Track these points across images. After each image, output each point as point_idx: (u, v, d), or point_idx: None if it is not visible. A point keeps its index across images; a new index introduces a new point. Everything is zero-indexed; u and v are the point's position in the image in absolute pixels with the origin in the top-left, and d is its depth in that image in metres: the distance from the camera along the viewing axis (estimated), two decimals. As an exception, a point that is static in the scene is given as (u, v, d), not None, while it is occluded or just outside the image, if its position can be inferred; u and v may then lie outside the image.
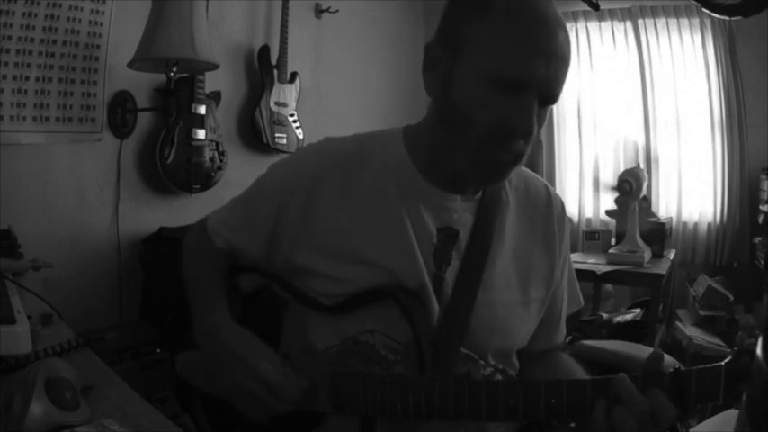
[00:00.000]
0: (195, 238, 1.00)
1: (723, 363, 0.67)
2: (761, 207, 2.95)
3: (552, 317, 0.96)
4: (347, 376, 0.79)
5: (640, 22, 3.29)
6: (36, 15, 1.83)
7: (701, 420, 1.70)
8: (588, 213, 3.52)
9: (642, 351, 1.93)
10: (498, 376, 0.88)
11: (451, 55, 0.78)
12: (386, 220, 0.84)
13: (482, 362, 0.86)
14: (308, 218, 0.86)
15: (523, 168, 0.93)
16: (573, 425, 1.01)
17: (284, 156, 0.96)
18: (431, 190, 0.85)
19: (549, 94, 0.75)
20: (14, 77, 1.81)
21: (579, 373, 0.92)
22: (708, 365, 0.68)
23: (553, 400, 0.70)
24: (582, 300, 1.04)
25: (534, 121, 0.74)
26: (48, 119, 1.91)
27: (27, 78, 1.84)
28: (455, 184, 0.86)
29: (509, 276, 0.88)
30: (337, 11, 2.94)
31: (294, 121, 2.70)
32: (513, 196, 0.92)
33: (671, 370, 0.69)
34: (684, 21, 3.19)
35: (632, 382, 0.69)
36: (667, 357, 0.72)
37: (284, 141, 2.64)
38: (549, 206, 0.94)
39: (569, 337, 2.49)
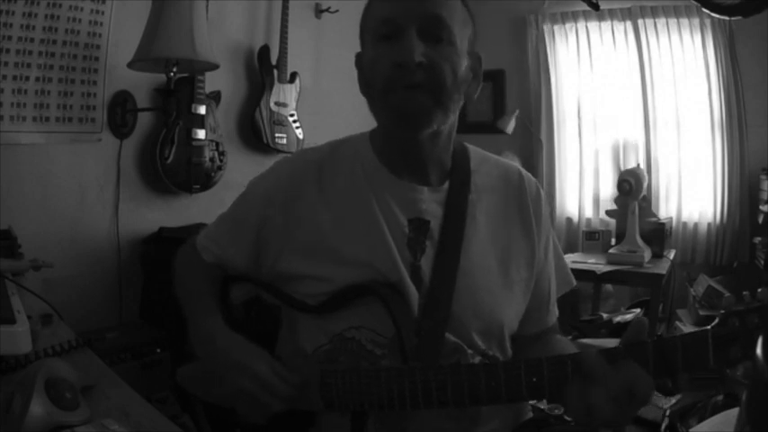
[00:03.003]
0: (185, 254, 1.03)
1: (709, 327, 0.66)
2: (761, 207, 2.95)
3: (541, 298, 0.97)
4: (335, 374, 0.81)
5: (640, 22, 3.28)
6: (36, 15, 1.83)
7: (701, 420, 1.70)
8: (588, 213, 3.51)
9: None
10: None
11: (362, 48, 0.91)
12: (359, 216, 0.88)
13: (470, 351, 0.87)
14: (289, 224, 0.90)
15: (496, 156, 1.00)
16: (572, 423, 1.01)
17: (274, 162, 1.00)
18: (398, 183, 0.90)
19: (426, 25, 0.82)
20: (14, 77, 1.81)
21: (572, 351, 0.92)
22: (693, 330, 0.68)
23: (534, 379, 0.70)
24: (573, 280, 1.05)
25: (414, 50, 0.80)
26: (48, 119, 1.91)
27: (27, 78, 1.84)
28: (418, 174, 0.90)
29: (488, 261, 0.90)
30: (337, 11, 2.94)
31: (294, 121, 2.70)
32: (484, 182, 0.94)
33: (653, 338, 0.68)
34: (684, 21, 3.18)
35: (604, 357, 0.68)
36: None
37: (284, 141, 2.64)
38: (522, 188, 0.97)
39: (569, 337, 2.49)
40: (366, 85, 0.88)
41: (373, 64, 0.85)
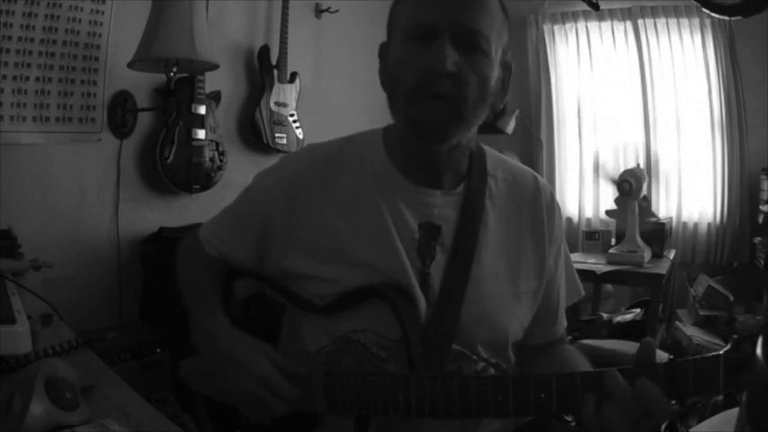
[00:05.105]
0: (188, 247, 1.02)
1: (722, 352, 0.65)
2: (761, 207, 2.95)
3: (549, 308, 0.95)
4: (339, 375, 0.79)
5: (640, 22, 3.29)
6: (36, 15, 1.83)
7: (701, 420, 1.70)
8: (588, 213, 3.52)
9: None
10: (491, 371, 0.88)
11: (388, 38, 0.87)
12: (367, 218, 0.85)
13: (474, 357, 0.85)
14: (292, 223, 0.88)
15: (511, 160, 0.96)
16: (573, 424, 1.00)
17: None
18: (409, 186, 0.87)
19: (461, 33, 0.78)
20: (14, 77, 1.81)
21: (582, 365, 0.89)
22: (705, 355, 0.66)
23: (543, 395, 0.69)
24: (582, 290, 1.02)
25: (446, 58, 0.76)
26: (48, 119, 1.91)
27: (27, 78, 1.84)
28: (431, 178, 0.87)
29: (497, 269, 0.87)
30: (337, 11, 2.94)
31: (294, 121, 2.70)
32: (499, 188, 0.92)
33: (665, 360, 0.67)
34: (684, 21, 3.19)
35: (623, 377, 0.66)
36: (660, 353, 0.69)
37: (284, 141, 2.64)
38: (537, 195, 0.93)
39: (569, 338, 2.49)
40: (390, 82, 0.84)
41: (401, 65, 0.81)
